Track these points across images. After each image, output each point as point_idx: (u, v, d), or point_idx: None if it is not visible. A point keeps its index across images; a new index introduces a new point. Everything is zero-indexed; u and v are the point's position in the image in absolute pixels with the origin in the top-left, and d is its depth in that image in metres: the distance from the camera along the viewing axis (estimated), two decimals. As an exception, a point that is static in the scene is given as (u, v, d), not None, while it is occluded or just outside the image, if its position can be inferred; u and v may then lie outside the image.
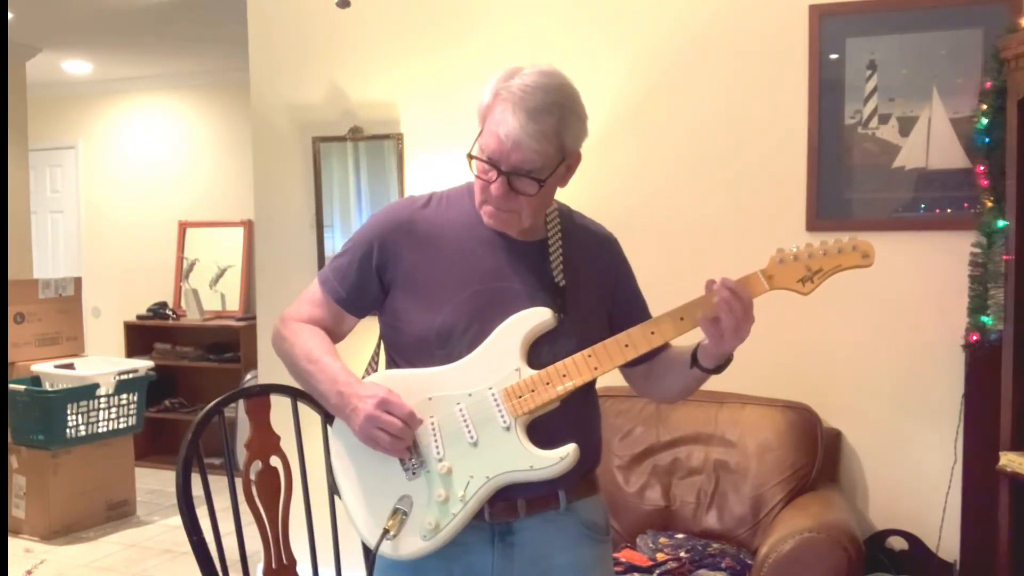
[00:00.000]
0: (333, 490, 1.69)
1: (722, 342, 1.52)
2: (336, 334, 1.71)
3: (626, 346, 1.56)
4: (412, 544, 1.57)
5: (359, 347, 1.86)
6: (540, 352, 1.58)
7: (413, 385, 1.58)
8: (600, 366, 1.56)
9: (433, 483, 1.57)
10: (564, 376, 1.55)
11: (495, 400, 1.56)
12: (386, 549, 1.58)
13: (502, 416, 1.55)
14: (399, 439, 1.53)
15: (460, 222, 1.66)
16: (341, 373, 1.60)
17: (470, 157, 1.56)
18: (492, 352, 1.57)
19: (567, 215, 1.73)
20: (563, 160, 1.57)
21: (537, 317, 1.57)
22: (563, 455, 1.54)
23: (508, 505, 1.60)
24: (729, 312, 1.49)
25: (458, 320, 1.59)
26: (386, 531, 1.56)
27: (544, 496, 1.62)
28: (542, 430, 1.56)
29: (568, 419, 1.59)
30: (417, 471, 1.58)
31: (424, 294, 1.62)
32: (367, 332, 1.78)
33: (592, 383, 1.67)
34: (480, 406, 1.56)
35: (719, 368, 1.61)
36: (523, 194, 1.55)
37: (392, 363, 1.69)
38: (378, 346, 1.76)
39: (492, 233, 1.64)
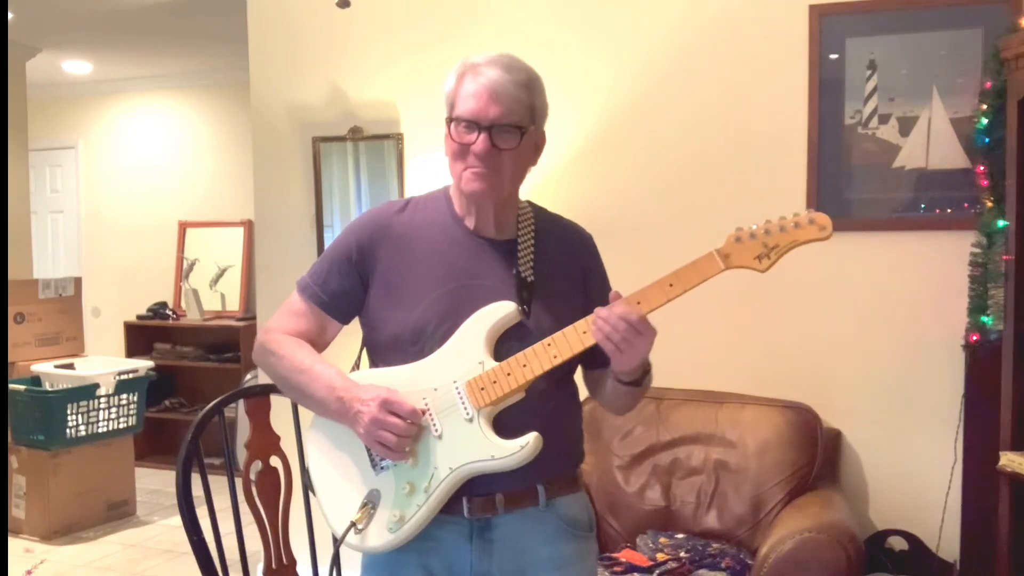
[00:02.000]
0: (307, 485, 1.71)
1: (619, 359, 1.53)
2: (319, 343, 1.72)
3: (584, 332, 1.57)
4: (379, 537, 1.60)
5: (342, 351, 1.86)
6: (510, 347, 1.60)
7: (382, 383, 1.60)
8: (559, 354, 1.57)
9: (399, 476, 1.60)
10: (524, 366, 1.57)
11: (459, 392, 1.58)
12: (353, 541, 1.61)
13: (465, 408, 1.58)
14: (405, 439, 1.55)
15: (434, 223, 1.69)
16: (336, 378, 1.62)
17: (449, 120, 1.62)
18: (458, 347, 1.60)
19: (540, 214, 1.76)
20: (533, 125, 1.63)
21: (501, 311, 1.60)
22: (523, 443, 1.55)
23: (486, 501, 1.61)
24: (604, 337, 1.51)
25: (430, 318, 1.62)
26: (353, 524, 1.59)
27: (523, 491, 1.63)
28: (511, 423, 1.58)
29: (539, 413, 1.60)
30: (385, 465, 1.61)
31: (399, 294, 1.65)
32: (350, 336, 1.78)
33: (568, 379, 1.70)
34: (445, 399, 1.59)
35: (636, 381, 1.62)
36: (505, 148, 1.60)
37: (373, 364, 1.72)
38: (362, 349, 1.77)
39: (464, 233, 1.68)
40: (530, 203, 1.76)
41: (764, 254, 1.54)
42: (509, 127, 1.59)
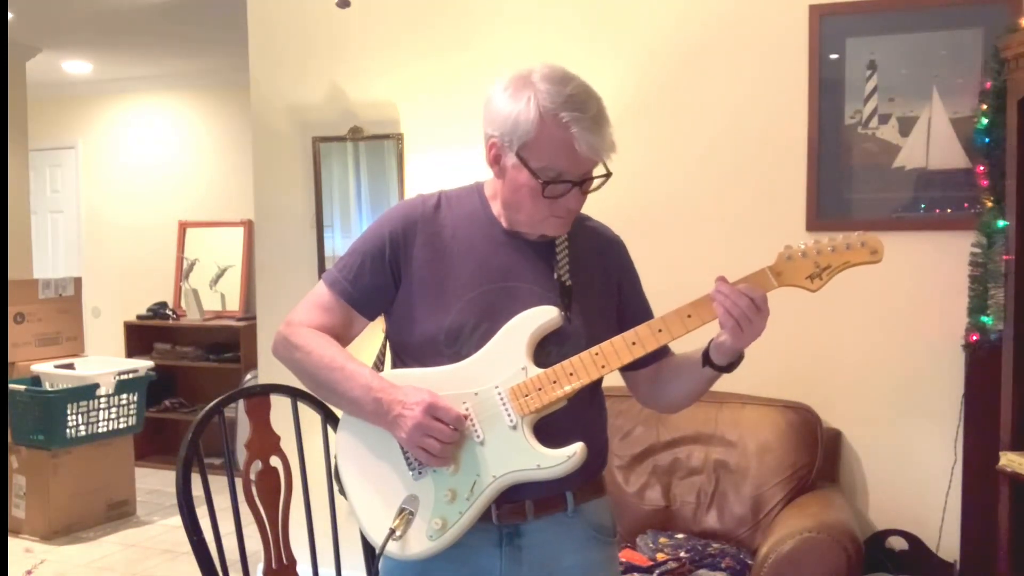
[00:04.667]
0: (339, 490, 1.69)
1: (737, 336, 1.50)
2: (344, 339, 1.67)
3: (633, 343, 1.55)
4: (418, 544, 1.57)
5: (363, 346, 1.86)
6: (548, 352, 1.57)
7: (419, 384, 1.56)
8: (607, 364, 1.55)
9: (439, 483, 1.56)
10: (571, 375, 1.54)
11: (501, 399, 1.55)
12: (393, 549, 1.57)
13: (508, 415, 1.54)
14: (449, 445, 1.52)
15: (469, 221, 1.66)
16: (374, 379, 1.58)
17: (545, 183, 1.54)
18: (498, 351, 1.56)
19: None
20: None
21: (544, 315, 1.57)
22: (570, 454, 1.53)
23: (516, 507, 1.59)
24: (726, 312, 1.48)
25: (467, 319, 1.58)
26: (392, 531, 1.55)
27: (552, 498, 1.61)
28: (549, 430, 1.55)
29: (575, 419, 1.58)
30: (424, 471, 1.57)
31: (434, 293, 1.61)
32: (371, 331, 1.77)
33: (598, 385, 1.67)
34: (486, 405, 1.55)
35: (731, 366, 1.59)
36: (588, 192, 1.59)
37: (399, 362, 1.68)
38: (384, 345, 1.75)
39: (501, 233, 1.64)
40: None
41: (816, 274, 1.52)
42: (598, 176, 1.57)
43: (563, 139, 1.51)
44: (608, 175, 1.58)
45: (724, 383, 1.69)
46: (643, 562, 2.70)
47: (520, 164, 1.55)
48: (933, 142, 2.99)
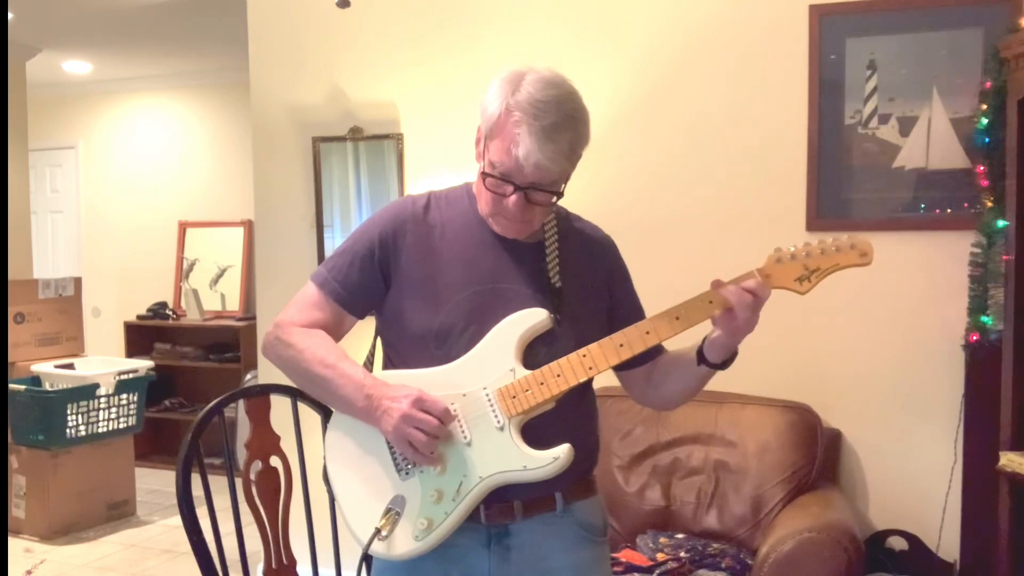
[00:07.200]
0: (327, 491, 1.69)
1: (738, 332, 1.52)
2: (334, 337, 1.68)
3: (621, 345, 1.55)
4: (405, 544, 1.57)
5: (355, 346, 1.86)
6: (537, 353, 1.57)
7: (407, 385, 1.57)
8: (595, 366, 1.55)
9: (426, 483, 1.57)
10: (559, 376, 1.54)
11: (489, 400, 1.55)
12: (379, 549, 1.58)
13: (496, 416, 1.55)
14: (434, 437, 1.52)
15: (459, 223, 1.66)
16: (366, 377, 1.59)
17: (484, 175, 1.56)
18: (487, 352, 1.57)
19: (564, 217, 1.73)
20: (567, 180, 1.60)
21: (533, 318, 1.57)
22: (556, 455, 1.53)
23: (505, 507, 1.59)
24: (736, 312, 1.50)
25: (456, 320, 1.59)
26: (378, 530, 1.56)
27: (541, 498, 1.61)
28: (537, 431, 1.56)
29: (563, 420, 1.58)
30: (411, 471, 1.58)
31: (423, 294, 1.62)
32: (363, 331, 1.78)
33: (589, 385, 1.67)
34: (474, 406, 1.56)
35: (726, 363, 1.60)
36: (538, 205, 1.57)
37: (388, 362, 1.69)
38: (374, 345, 1.75)
39: (490, 234, 1.64)
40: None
41: (805, 276, 1.52)
42: (546, 189, 1.56)
43: (509, 137, 1.51)
44: (559, 195, 1.57)
45: (724, 383, 1.69)
46: (643, 562, 2.70)
47: (485, 151, 1.57)
48: (933, 142, 2.99)
